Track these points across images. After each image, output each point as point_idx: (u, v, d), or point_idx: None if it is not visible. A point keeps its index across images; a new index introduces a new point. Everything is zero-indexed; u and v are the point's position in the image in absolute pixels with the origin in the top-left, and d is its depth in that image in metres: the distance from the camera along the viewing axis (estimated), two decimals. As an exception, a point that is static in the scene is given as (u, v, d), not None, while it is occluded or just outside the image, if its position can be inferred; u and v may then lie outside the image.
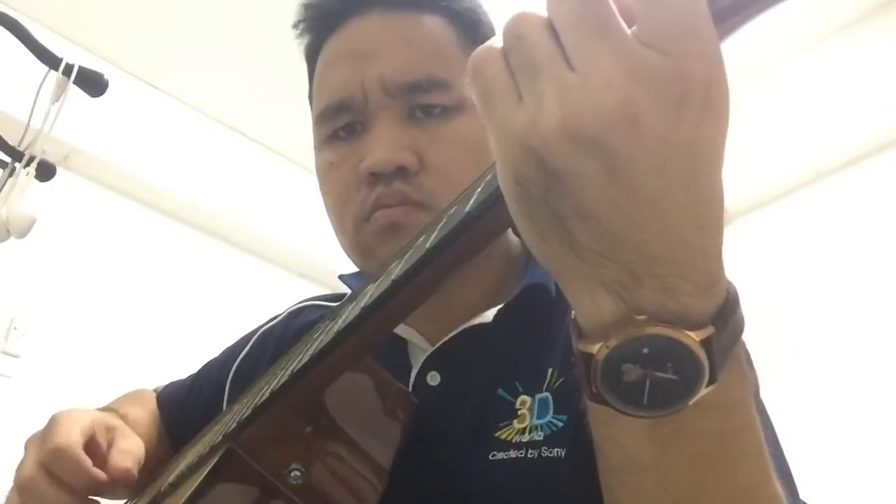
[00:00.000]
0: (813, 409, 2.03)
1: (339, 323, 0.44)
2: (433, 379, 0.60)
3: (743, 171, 2.22)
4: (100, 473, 0.59)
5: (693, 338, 0.29)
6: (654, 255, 0.29)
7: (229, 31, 2.55)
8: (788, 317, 2.19)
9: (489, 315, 0.62)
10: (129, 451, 0.63)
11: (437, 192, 0.59)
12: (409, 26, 0.64)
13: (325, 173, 0.66)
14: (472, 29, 0.67)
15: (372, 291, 0.42)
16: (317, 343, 0.46)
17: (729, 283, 0.32)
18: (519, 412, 0.56)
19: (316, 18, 0.69)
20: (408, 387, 0.60)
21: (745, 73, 2.45)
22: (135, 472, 0.62)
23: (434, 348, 0.62)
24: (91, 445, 0.60)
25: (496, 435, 0.55)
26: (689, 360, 0.29)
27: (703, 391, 0.30)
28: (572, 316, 0.33)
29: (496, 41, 0.31)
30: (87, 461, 0.58)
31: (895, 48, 2.28)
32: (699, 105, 0.27)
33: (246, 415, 0.48)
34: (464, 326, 0.62)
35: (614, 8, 0.28)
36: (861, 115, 2.28)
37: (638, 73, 0.27)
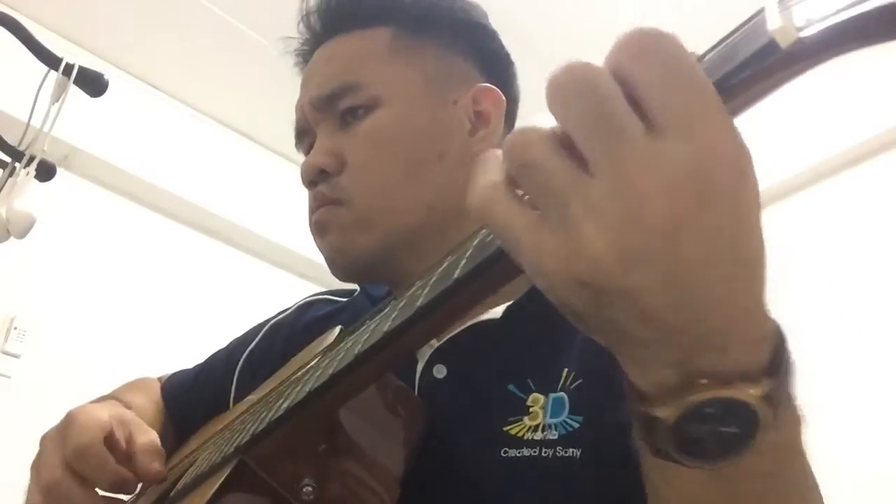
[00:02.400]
0: (815, 410, 2.02)
1: (360, 345, 0.44)
2: (439, 371, 0.60)
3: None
4: (124, 471, 0.60)
5: (753, 394, 0.29)
6: (708, 330, 0.29)
7: (229, 31, 2.55)
8: (789, 318, 2.19)
9: (497, 311, 0.62)
10: (152, 447, 0.64)
11: (349, 188, 0.65)
12: (337, 46, 0.71)
13: None
14: (420, 23, 0.71)
15: (395, 315, 0.41)
16: (336, 362, 0.46)
17: (775, 324, 0.32)
18: (531, 409, 0.55)
19: (300, 57, 0.77)
20: (414, 380, 0.60)
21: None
22: (164, 470, 0.63)
23: (440, 343, 0.62)
24: (110, 442, 0.61)
25: (505, 429, 0.55)
26: (752, 414, 0.30)
27: (764, 438, 0.30)
28: (627, 379, 0.33)
29: (490, 168, 0.30)
30: (111, 459, 0.59)
31: (895, 48, 2.28)
32: (733, 185, 0.27)
33: (260, 428, 0.48)
34: (471, 322, 0.61)
35: (626, 104, 0.27)
36: (861, 115, 2.28)
37: (670, 179, 0.26)
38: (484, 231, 0.37)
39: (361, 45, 0.70)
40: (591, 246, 0.27)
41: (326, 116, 0.68)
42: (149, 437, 0.65)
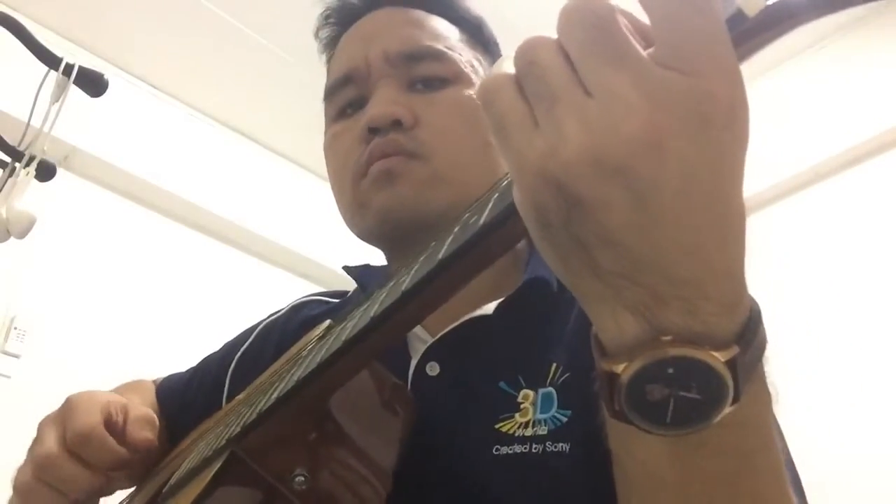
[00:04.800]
0: (815, 411, 2.03)
1: (348, 331, 0.44)
2: (432, 369, 0.60)
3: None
4: (124, 451, 0.60)
5: (718, 358, 0.29)
6: (678, 276, 0.29)
7: (229, 31, 2.54)
8: (789, 319, 2.19)
9: (490, 307, 0.62)
10: (144, 418, 0.64)
11: (430, 143, 0.64)
12: (413, 14, 0.71)
13: (330, 144, 0.71)
14: (476, 32, 0.74)
15: (381, 299, 0.42)
16: (325, 350, 0.46)
17: (752, 300, 0.32)
18: (521, 406, 0.55)
19: (336, 16, 0.75)
20: (407, 377, 0.60)
21: (745, 74, 2.44)
22: (154, 438, 0.63)
23: (434, 339, 0.62)
24: (109, 425, 0.62)
25: (497, 427, 0.55)
26: (714, 380, 0.29)
27: (727, 410, 0.29)
28: (594, 332, 0.33)
29: (504, 65, 0.31)
30: (112, 441, 0.60)
31: (895, 48, 2.28)
32: (722, 125, 0.27)
33: (251, 419, 0.48)
34: (464, 318, 0.62)
35: (626, 32, 0.27)
36: (861, 115, 2.28)
37: (659, 97, 0.26)
38: (466, 215, 0.37)
39: (440, 24, 0.71)
40: (569, 144, 0.27)
41: (396, 73, 0.67)
42: (142, 411, 0.65)
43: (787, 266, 2.33)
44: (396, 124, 0.64)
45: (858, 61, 2.34)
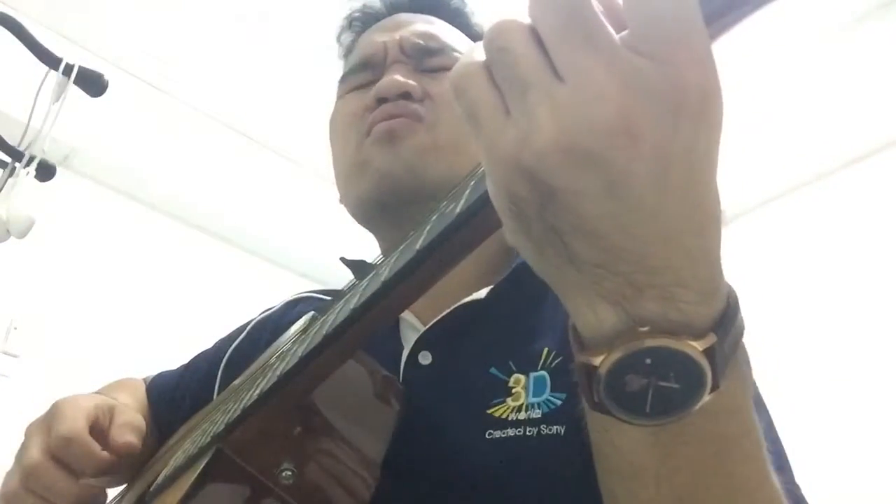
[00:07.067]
0: (812, 412, 2.03)
1: (329, 324, 0.44)
2: (425, 358, 0.60)
3: (742, 172, 2.22)
4: (107, 457, 0.60)
5: (696, 347, 0.29)
6: (654, 265, 0.29)
7: (229, 30, 2.54)
8: (788, 319, 2.19)
9: (482, 293, 0.63)
10: (129, 423, 0.64)
11: (436, 113, 0.66)
12: (431, 19, 0.76)
13: (336, 110, 0.74)
14: (468, 30, 0.77)
15: (362, 291, 0.42)
16: (306, 344, 0.46)
17: (729, 287, 0.32)
18: (513, 390, 0.55)
19: (360, 22, 0.79)
20: (399, 367, 0.60)
21: (745, 73, 2.45)
22: (137, 443, 0.63)
23: (426, 328, 0.62)
24: (95, 430, 0.61)
25: (489, 412, 0.55)
26: (692, 369, 0.29)
27: (706, 398, 0.29)
28: (571, 325, 0.33)
29: (476, 53, 0.30)
30: (96, 446, 0.60)
31: (895, 48, 2.28)
32: (695, 113, 0.27)
33: (235, 415, 0.48)
34: (456, 304, 0.62)
35: (601, 15, 0.27)
36: (861, 115, 2.28)
37: (631, 84, 0.26)
38: (444, 203, 0.37)
39: (453, 32, 0.75)
40: (541, 134, 0.27)
41: (409, 61, 0.70)
42: (128, 416, 0.65)
43: (787, 267, 2.33)
44: (405, 96, 0.66)
45: (858, 61, 2.34)
